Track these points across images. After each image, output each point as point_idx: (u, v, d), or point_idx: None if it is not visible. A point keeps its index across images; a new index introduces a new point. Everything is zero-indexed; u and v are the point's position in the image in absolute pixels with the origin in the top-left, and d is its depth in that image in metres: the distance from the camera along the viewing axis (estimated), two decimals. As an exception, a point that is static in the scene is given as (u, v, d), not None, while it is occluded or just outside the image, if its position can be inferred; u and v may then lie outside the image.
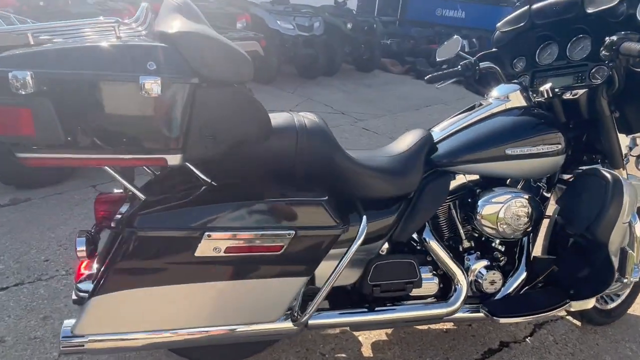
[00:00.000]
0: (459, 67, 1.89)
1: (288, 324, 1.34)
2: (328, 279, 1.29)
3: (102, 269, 1.18)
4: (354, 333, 1.84)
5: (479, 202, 1.54)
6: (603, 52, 1.46)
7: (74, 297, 1.40)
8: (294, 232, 1.19)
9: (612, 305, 1.99)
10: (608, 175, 1.51)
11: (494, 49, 1.96)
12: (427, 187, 1.53)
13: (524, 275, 1.66)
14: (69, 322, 1.25)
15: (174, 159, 1.16)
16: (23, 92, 1.01)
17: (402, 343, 1.83)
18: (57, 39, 1.23)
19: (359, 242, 1.30)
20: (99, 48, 1.10)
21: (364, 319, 1.47)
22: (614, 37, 1.40)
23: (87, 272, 1.42)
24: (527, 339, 1.93)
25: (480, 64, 1.87)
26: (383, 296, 1.48)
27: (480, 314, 1.61)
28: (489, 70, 1.88)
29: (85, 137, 1.10)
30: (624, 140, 1.74)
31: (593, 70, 1.61)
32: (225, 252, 1.17)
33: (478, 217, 1.54)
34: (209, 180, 1.30)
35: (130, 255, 1.13)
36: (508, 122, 1.57)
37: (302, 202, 1.22)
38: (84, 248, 1.24)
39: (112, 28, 1.20)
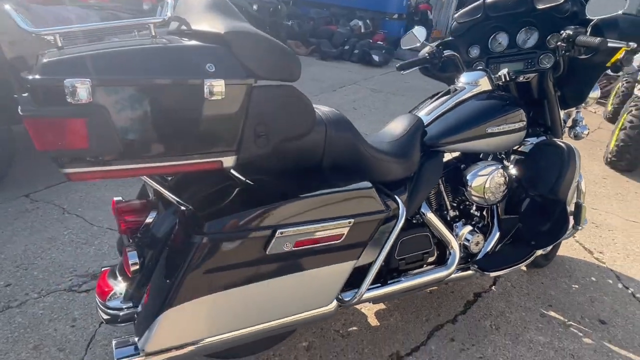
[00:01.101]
0: (427, 55, 2.08)
1: (333, 306, 1.43)
2: (376, 259, 1.40)
3: (169, 281, 1.13)
4: (356, 307, 1.98)
5: (468, 176, 1.77)
6: (559, 43, 1.75)
7: (104, 316, 1.33)
8: (352, 219, 1.28)
9: (549, 249, 2.42)
10: (562, 145, 1.84)
11: (450, 38, 2.19)
12: (425, 166, 1.71)
13: (498, 234, 1.95)
14: (121, 341, 1.19)
15: (229, 161, 1.16)
16: (79, 102, 0.94)
17: (400, 309, 2.03)
18: (85, 40, 1.12)
19: (402, 222, 1.43)
20: (156, 50, 1.05)
21: (387, 291, 1.61)
22: (570, 31, 1.69)
23: (114, 289, 1.35)
24: (492, 287, 2.26)
25: (444, 52, 2.08)
26: (406, 268, 1.64)
27: (471, 272, 1.87)
28: (450, 58, 2.11)
29: (141, 146, 1.04)
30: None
31: (541, 57, 1.92)
32: (294, 246, 1.21)
33: (469, 189, 1.77)
34: (243, 179, 1.31)
35: (204, 262, 1.11)
36: (484, 105, 1.81)
37: (356, 191, 1.30)
38: (137, 261, 1.18)
39: (146, 28, 1.13)
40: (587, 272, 2.50)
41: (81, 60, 0.97)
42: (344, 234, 1.28)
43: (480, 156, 1.95)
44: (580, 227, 1.98)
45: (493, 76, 1.95)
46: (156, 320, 1.12)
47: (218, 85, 1.05)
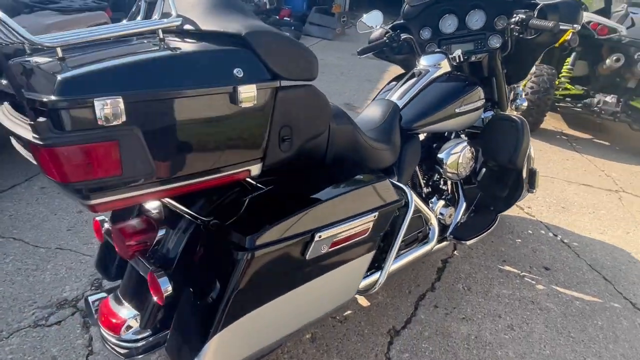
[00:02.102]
0: (385, 38, 2.13)
1: (353, 295, 1.45)
2: (393, 245, 1.44)
3: (212, 303, 1.06)
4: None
5: (443, 155, 1.89)
6: (513, 25, 1.91)
7: (121, 351, 1.21)
8: (377, 212, 1.30)
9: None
10: (516, 118, 2.04)
11: (403, 21, 2.25)
12: (407, 150, 1.79)
13: (465, 205, 2.12)
14: None
15: (255, 169, 1.12)
16: (111, 123, 0.83)
17: (383, 286, 2.12)
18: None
19: (413, 207, 1.48)
20: (182, 58, 0.95)
21: (391, 270, 1.67)
22: (522, 15, 1.85)
23: (126, 319, 1.23)
24: (455, 252, 2.47)
25: (402, 35, 2.15)
26: (406, 248, 1.72)
27: (446, 243, 2.02)
28: (406, 41, 2.18)
29: (173, 165, 0.96)
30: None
31: (489, 37, 2.07)
32: (330, 247, 1.20)
33: (445, 166, 1.89)
34: (254, 183, 1.26)
35: (249, 278, 1.06)
36: (450, 87, 1.92)
37: (377, 185, 1.32)
38: (170, 287, 1.09)
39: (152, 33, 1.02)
40: (523, 226, 2.83)
41: (108, 74, 0.85)
42: (369, 227, 1.31)
43: (445, 134, 2.07)
44: (534, 191, 2.24)
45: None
46: (206, 345, 1.05)
47: (250, 91, 1.00)
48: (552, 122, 4.99)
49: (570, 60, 4.44)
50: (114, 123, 0.83)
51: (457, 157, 1.89)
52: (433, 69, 1.96)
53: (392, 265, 1.74)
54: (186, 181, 0.99)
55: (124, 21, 1.20)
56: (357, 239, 1.28)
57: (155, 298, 1.12)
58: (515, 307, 2.10)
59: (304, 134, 1.18)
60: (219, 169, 1.03)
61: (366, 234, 1.31)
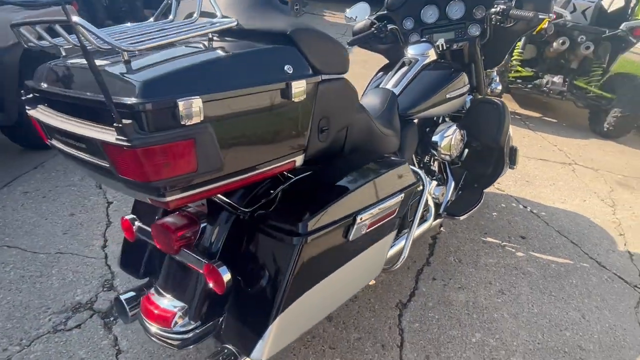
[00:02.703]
0: (373, 29, 2.23)
1: (380, 271, 1.56)
2: (413, 223, 1.56)
3: (271, 287, 1.13)
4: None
5: (437, 138, 2.03)
6: (494, 15, 2.06)
7: (174, 343, 1.25)
8: (403, 194, 1.40)
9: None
10: (497, 101, 2.21)
11: (386, 12, 2.36)
12: (406, 135, 1.91)
13: (453, 183, 2.29)
14: None
15: (300, 160, 1.19)
16: (191, 122, 0.87)
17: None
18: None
19: (429, 187, 1.60)
20: (241, 57, 1.00)
21: (400, 247, 1.79)
22: (503, 5, 2.01)
23: (176, 311, 1.26)
24: (441, 229, 2.65)
25: (388, 26, 2.25)
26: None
27: (440, 220, 2.18)
28: (392, 32, 2.29)
29: (236, 159, 1.02)
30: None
31: (469, 26, 2.22)
32: (368, 228, 1.29)
33: (439, 148, 2.03)
34: (286, 174, 1.33)
35: (304, 262, 1.14)
36: (439, 74, 2.05)
37: (398, 168, 1.42)
38: (230, 276, 1.14)
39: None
40: (496, 201, 3.06)
41: (184, 76, 0.89)
42: (397, 208, 1.41)
43: (434, 119, 2.22)
44: (514, 167, 2.44)
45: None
46: (269, 328, 1.12)
47: (300, 86, 1.07)
48: (505, 103, 5.33)
49: (520, 44, 4.76)
50: (193, 122, 0.88)
51: (450, 139, 2.04)
52: (422, 57, 2.09)
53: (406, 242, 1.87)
54: (245, 174, 1.05)
55: (153, 19, 1.22)
56: (387, 219, 1.39)
57: (213, 288, 1.16)
58: (502, 274, 2.31)
59: (338, 124, 1.26)
60: (272, 161, 1.09)
61: (394, 214, 1.42)
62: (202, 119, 0.89)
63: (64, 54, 1.14)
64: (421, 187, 1.65)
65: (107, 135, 0.87)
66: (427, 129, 2.10)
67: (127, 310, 1.41)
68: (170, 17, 1.24)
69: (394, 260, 1.60)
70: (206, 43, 1.08)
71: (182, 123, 0.86)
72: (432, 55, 2.11)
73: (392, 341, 1.81)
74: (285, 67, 1.05)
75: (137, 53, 0.97)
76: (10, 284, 1.84)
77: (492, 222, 2.78)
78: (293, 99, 1.05)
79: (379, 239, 1.42)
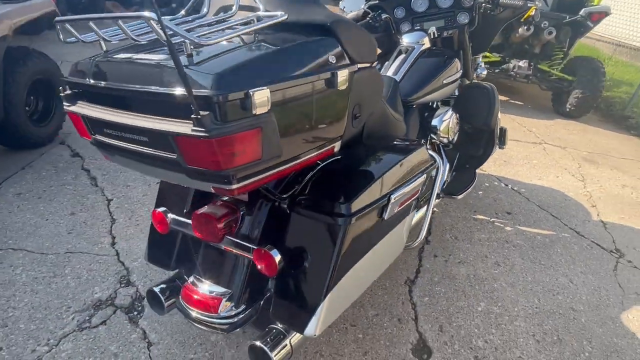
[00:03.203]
0: (369, 18, 2.30)
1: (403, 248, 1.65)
2: (429, 203, 1.65)
3: (319, 267, 1.19)
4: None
5: (437, 122, 2.14)
6: (484, 3, 2.18)
7: (223, 327, 1.30)
8: (425, 174, 1.50)
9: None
10: (487, 85, 2.35)
11: (378, 1, 2.43)
12: (409, 120, 2.00)
13: (448, 165, 2.42)
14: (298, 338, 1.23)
15: (337, 146, 1.26)
16: (261, 111, 0.92)
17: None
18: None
19: (443, 168, 1.70)
20: (294, 49, 1.05)
21: (418, 225, 1.89)
22: None
23: (221, 298, 1.30)
24: (434, 209, 2.78)
25: (382, 15, 2.33)
26: None
27: (439, 200, 2.30)
28: (385, 21, 2.37)
29: (291, 146, 1.07)
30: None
31: (458, 14, 2.34)
32: (399, 206, 1.38)
33: (439, 132, 2.14)
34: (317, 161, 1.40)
35: (348, 241, 1.20)
36: (435, 61, 2.16)
37: (419, 150, 1.51)
38: (281, 258, 1.19)
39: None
40: (480, 180, 3.24)
41: (252, 68, 0.94)
42: (420, 188, 1.51)
43: (429, 104, 2.33)
44: (504, 146, 2.59)
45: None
46: (321, 305, 1.18)
47: (344, 75, 1.13)
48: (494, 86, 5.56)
49: (488, 31, 4.97)
50: (262, 111, 0.92)
51: (448, 122, 2.16)
52: (417, 45, 2.19)
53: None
54: (296, 161, 1.11)
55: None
56: (413, 197, 1.48)
57: (264, 271, 1.22)
58: (495, 247, 2.47)
59: (367, 110, 1.34)
60: (318, 147, 1.16)
61: (417, 194, 1.51)
62: (269, 108, 0.93)
63: (104, 48, 1.14)
64: (435, 169, 1.76)
65: (180, 127, 0.90)
66: (426, 114, 2.21)
67: (163, 301, 1.44)
68: (204, 10, 1.26)
69: (413, 238, 1.70)
70: (252, 36, 1.11)
71: (253, 112, 0.91)
72: (427, 43, 2.21)
73: (406, 315, 1.92)
74: (329, 58, 1.11)
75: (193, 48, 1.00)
76: (25, 286, 1.80)
77: (479, 201, 2.95)
78: (338, 87, 1.11)
79: (404, 218, 1.51)
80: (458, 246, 2.44)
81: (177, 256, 1.53)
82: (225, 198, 1.39)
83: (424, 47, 2.18)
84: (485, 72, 2.69)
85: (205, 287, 1.35)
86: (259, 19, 1.13)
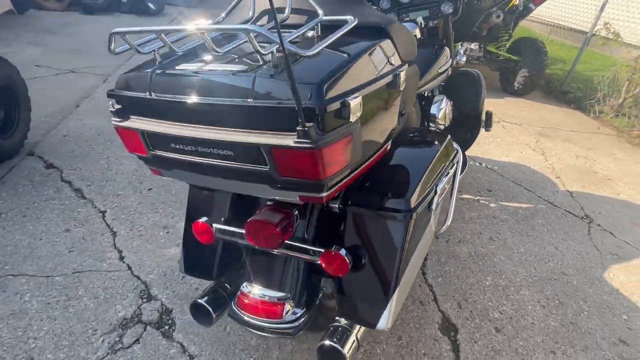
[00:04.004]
0: None
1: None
2: (452, 192, 1.73)
3: (387, 262, 1.23)
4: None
5: (435, 110, 2.23)
6: None
7: (289, 331, 1.30)
8: (455, 164, 1.57)
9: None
10: (473, 72, 2.47)
11: (363, -7, 2.46)
12: (414, 109, 2.07)
13: (442, 148, 2.53)
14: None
15: (389, 144, 1.29)
16: (356, 118, 0.94)
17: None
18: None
19: (460, 157, 1.78)
20: (367, 53, 1.07)
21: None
22: None
23: (285, 304, 1.31)
24: (424, 193, 2.90)
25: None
26: None
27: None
28: (374, 13, 2.40)
29: (363, 149, 1.10)
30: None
31: (442, 4, 2.43)
32: (441, 196, 1.44)
33: (437, 119, 2.23)
34: None
35: (409, 234, 1.25)
36: (429, 51, 2.24)
37: (448, 141, 1.57)
38: (351, 257, 1.21)
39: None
40: (456, 161, 3.41)
41: (340, 77, 0.94)
42: (453, 177, 1.58)
43: (423, 93, 2.41)
44: (490, 129, 2.74)
45: (414, 25, 2.37)
46: (392, 299, 1.22)
47: (403, 76, 1.16)
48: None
49: (440, 15, 5.16)
50: (355, 119, 0.94)
51: (445, 110, 2.26)
52: (411, 37, 2.25)
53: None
54: (366, 163, 1.14)
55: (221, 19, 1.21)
56: (446, 187, 1.55)
57: (335, 272, 1.23)
58: (486, 224, 2.64)
59: (410, 106, 1.38)
60: (380, 147, 1.19)
61: (449, 183, 1.59)
62: (360, 114, 0.95)
63: (159, 60, 1.09)
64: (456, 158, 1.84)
65: (279, 139, 0.89)
66: (423, 103, 2.29)
67: (212, 312, 1.41)
68: (249, 14, 1.23)
69: (440, 225, 1.78)
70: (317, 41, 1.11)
71: (350, 120, 0.92)
72: (418, 34, 2.28)
73: (426, 297, 2.02)
74: (390, 59, 1.14)
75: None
76: (39, 313, 1.68)
77: (461, 180, 3.11)
78: (399, 88, 1.15)
79: (438, 207, 1.58)
80: (454, 226, 2.58)
81: (218, 265, 1.50)
82: (269, 202, 1.38)
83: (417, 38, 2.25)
84: (464, 59, 2.82)
85: (261, 293, 1.34)
86: (323, 23, 1.13)
